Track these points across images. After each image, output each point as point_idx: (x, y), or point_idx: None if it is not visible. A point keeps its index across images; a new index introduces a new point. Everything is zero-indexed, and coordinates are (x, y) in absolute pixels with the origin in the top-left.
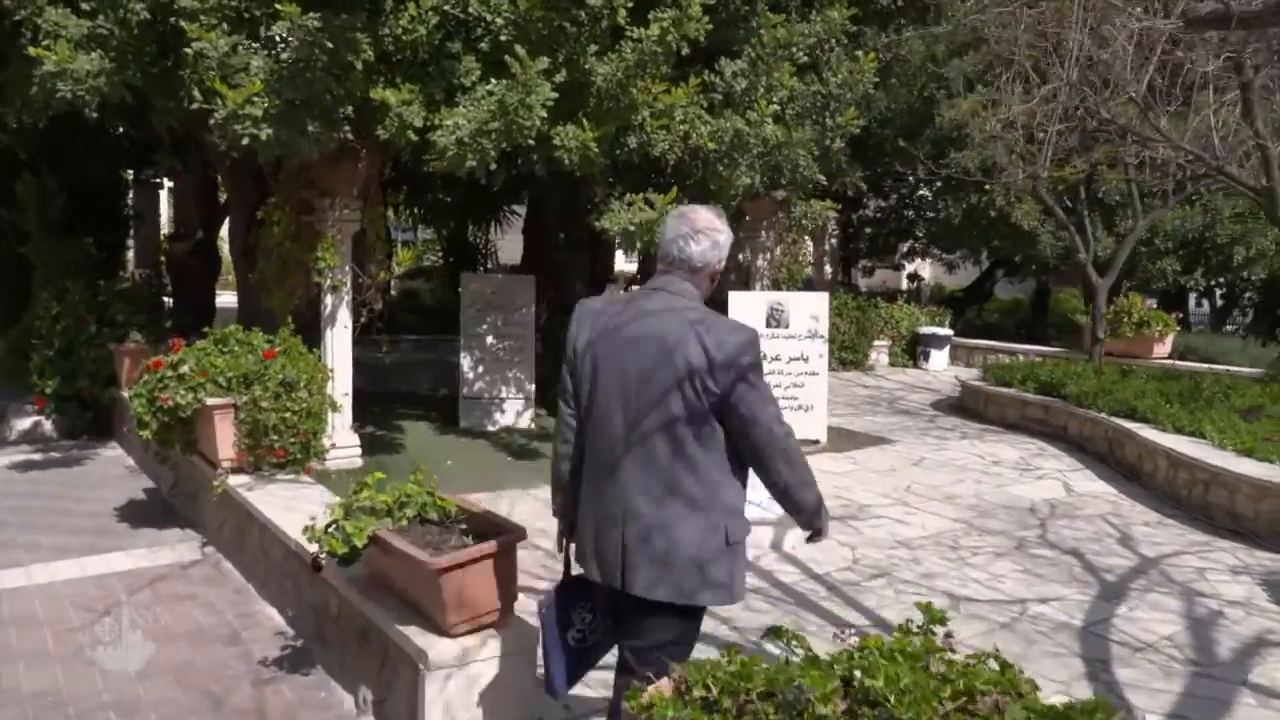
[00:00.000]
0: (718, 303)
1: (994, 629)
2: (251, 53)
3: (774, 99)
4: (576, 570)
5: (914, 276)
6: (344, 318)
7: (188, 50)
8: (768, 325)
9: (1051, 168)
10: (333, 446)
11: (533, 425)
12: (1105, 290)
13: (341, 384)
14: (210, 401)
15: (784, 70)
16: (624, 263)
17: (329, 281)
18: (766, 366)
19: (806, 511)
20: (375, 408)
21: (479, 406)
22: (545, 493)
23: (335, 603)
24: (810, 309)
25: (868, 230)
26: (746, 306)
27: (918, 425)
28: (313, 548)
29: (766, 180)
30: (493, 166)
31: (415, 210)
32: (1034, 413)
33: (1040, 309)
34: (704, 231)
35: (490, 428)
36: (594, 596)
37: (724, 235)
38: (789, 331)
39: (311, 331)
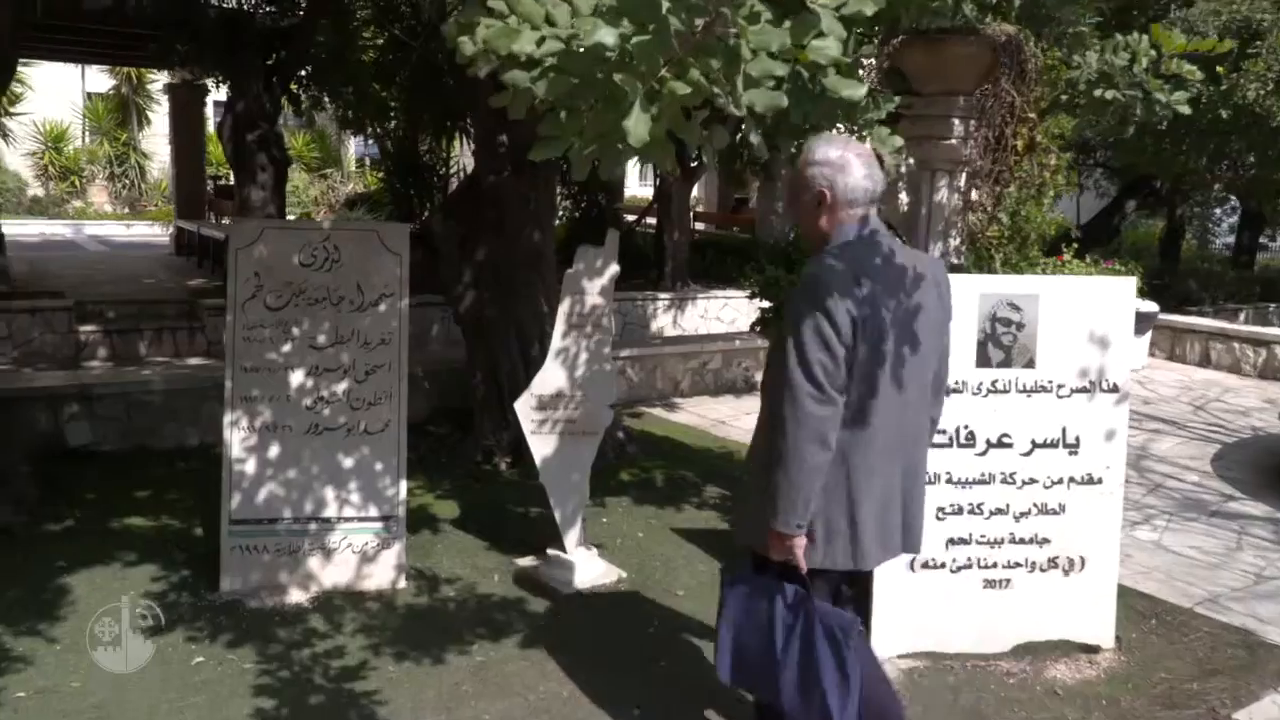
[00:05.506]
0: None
1: None
2: None
3: None
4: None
5: None
6: None
7: None
8: (981, 361)
9: None
10: None
11: (404, 584)
12: None
13: None
14: None
15: None
16: (638, 186)
17: None
18: (969, 462)
19: None
20: (68, 517)
21: (270, 543)
22: None
23: None
24: (1089, 320)
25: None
26: None
27: (1271, 562)
28: None
29: None
30: None
31: (333, 106)
32: None
33: (1172, 255)
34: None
35: (293, 597)
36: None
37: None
38: (1036, 375)
39: None
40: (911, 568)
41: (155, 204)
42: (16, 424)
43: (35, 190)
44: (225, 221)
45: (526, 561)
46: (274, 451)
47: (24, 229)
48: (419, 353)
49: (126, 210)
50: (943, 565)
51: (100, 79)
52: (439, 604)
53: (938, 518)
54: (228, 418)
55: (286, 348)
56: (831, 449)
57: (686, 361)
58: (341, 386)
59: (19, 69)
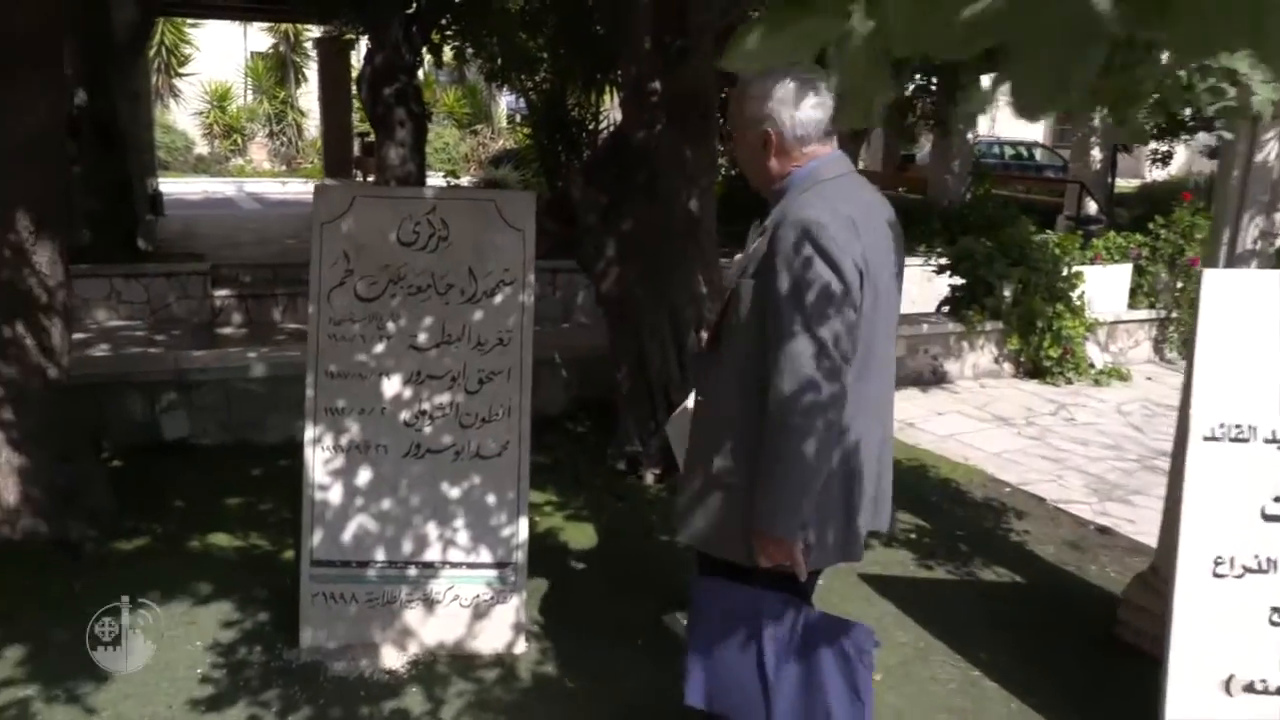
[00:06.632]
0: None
1: None
2: None
3: None
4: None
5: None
6: None
7: None
8: None
9: None
10: None
11: (522, 647)
12: None
13: None
14: None
15: None
16: None
17: None
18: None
19: None
20: (145, 533)
21: (359, 592)
22: None
23: None
24: None
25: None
26: (1245, 324)
27: None
28: None
29: None
30: None
31: (477, 57)
32: None
33: None
34: None
35: (387, 660)
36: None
37: None
38: None
39: None
40: (1227, 689)
41: (310, 161)
42: (110, 414)
43: (200, 149)
44: (370, 180)
45: (675, 617)
46: (364, 478)
47: (188, 187)
48: (560, 331)
49: (283, 167)
50: (1278, 691)
51: (261, 38)
52: (566, 676)
53: (1272, 621)
54: (309, 434)
55: (380, 348)
56: (841, 433)
57: None
58: (448, 398)
59: (188, 30)
